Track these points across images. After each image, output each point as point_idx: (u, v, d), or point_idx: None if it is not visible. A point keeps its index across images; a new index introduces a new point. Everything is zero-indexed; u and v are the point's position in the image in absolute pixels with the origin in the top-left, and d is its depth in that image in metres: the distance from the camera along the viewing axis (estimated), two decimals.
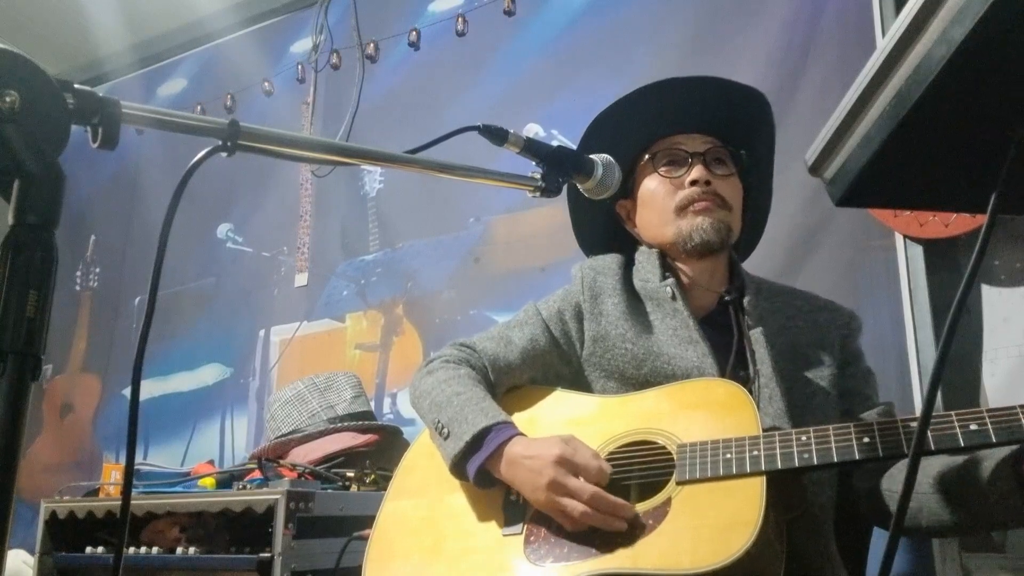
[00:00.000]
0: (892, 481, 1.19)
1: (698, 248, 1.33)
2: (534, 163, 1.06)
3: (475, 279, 2.74)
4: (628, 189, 1.42)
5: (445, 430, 1.22)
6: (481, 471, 1.18)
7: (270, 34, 3.52)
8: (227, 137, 0.81)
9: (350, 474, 1.96)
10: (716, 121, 1.38)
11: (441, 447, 1.23)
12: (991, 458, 1.03)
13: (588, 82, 2.62)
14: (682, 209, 1.34)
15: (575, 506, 1.08)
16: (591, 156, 1.08)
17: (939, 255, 1.99)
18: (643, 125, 1.39)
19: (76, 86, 0.69)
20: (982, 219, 0.62)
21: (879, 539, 1.31)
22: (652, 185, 1.38)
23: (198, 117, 0.82)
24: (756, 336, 1.28)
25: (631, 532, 1.06)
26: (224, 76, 3.57)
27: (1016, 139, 0.60)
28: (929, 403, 0.69)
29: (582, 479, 1.11)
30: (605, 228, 1.49)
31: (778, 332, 1.30)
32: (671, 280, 1.34)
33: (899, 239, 2.02)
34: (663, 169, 1.37)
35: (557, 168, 1.06)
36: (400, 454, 1.41)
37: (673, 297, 1.32)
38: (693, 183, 1.33)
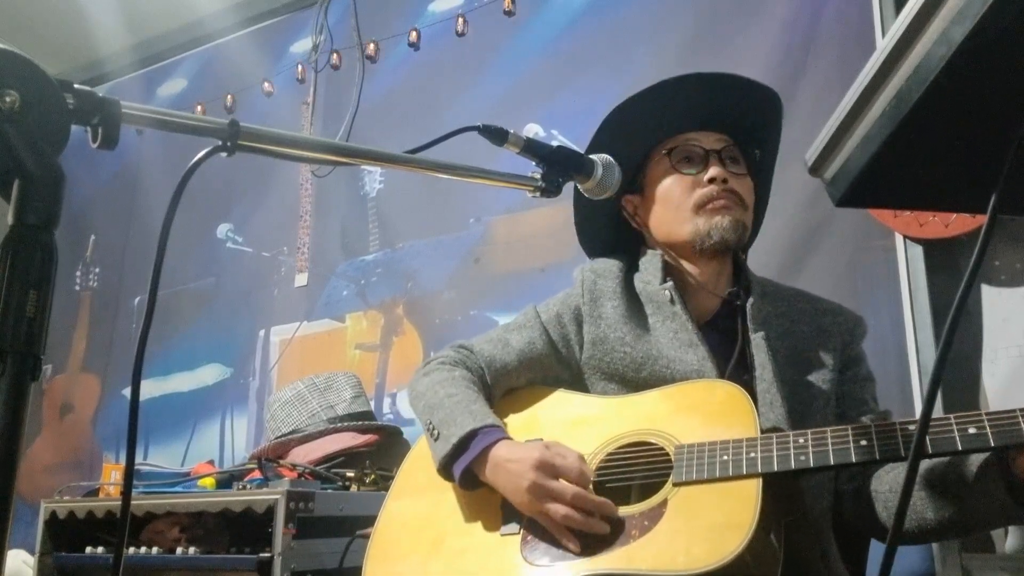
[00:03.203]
0: (878, 481, 1.19)
1: (715, 247, 1.30)
2: (534, 163, 1.06)
3: (475, 279, 2.74)
4: (638, 185, 1.40)
5: (436, 431, 1.22)
6: (466, 473, 1.19)
7: (270, 34, 3.52)
8: (227, 137, 0.81)
9: (350, 474, 1.96)
10: (730, 119, 1.36)
11: (432, 448, 1.24)
12: (977, 455, 1.03)
13: (588, 82, 2.62)
14: (700, 207, 1.31)
15: (557, 508, 1.09)
16: (591, 156, 1.08)
17: (939, 255, 1.99)
18: (657, 120, 1.37)
19: (76, 86, 0.69)
20: (982, 219, 0.62)
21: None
22: (668, 182, 1.35)
23: (198, 117, 0.82)
24: (758, 341, 1.27)
25: (627, 532, 1.06)
26: (224, 76, 3.56)
27: (1016, 139, 0.60)
28: (929, 403, 0.69)
29: (563, 481, 1.11)
30: (608, 227, 1.46)
31: (781, 336, 1.29)
32: (670, 284, 1.32)
33: (899, 239, 2.02)
34: (680, 165, 1.34)
35: (557, 168, 1.06)
36: (400, 454, 1.41)
37: (672, 301, 1.31)
38: (711, 180, 1.31)
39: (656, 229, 1.38)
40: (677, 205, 1.34)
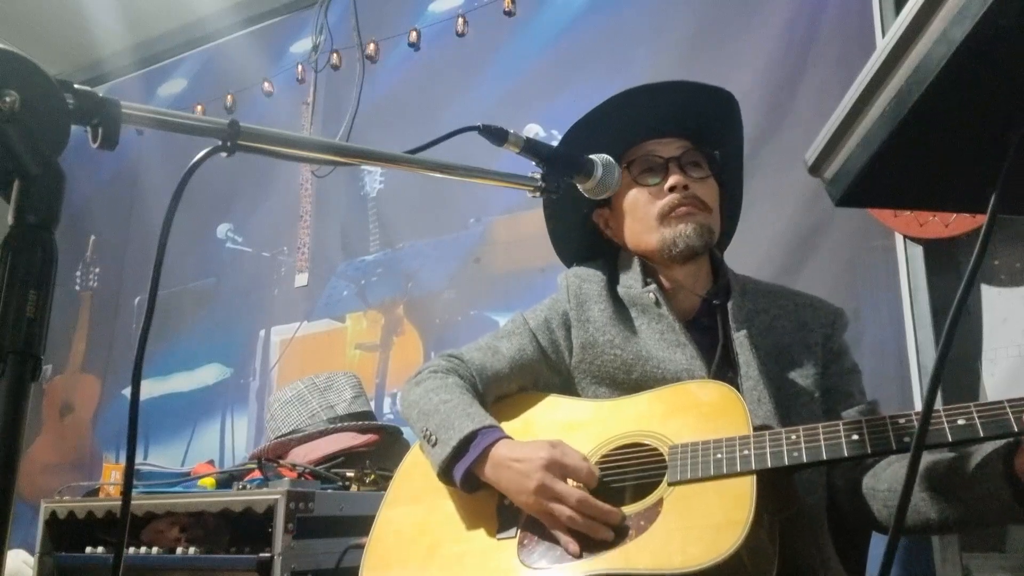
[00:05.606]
0: (875, 479, 1.19)
1: (683, 254, 1.33)
2: (534, 163, 1.06)
3: (475, 279, 2.74)
4: (606, 198, 1.42)
5: (433, 437, 1.22)
6: (467, 475, 1.18)
7: (270, 34, 3.52)
8: (227, 137, 0.81)
9: (350, 474, 1.96)
10: (687, 124, 1.38)
11: (429, 454, 1.24)
12: (979, 453, 1.04)
13: (588, 82, 2.62)
14: (664, 216, 1.33)
15: (562, 511, 1.09)
16: (591, 156, 1.09)
17: (939, 255, 1.99)
18: (616, 134, 1.38)
19: (76, 86, 0.69)
20: (982, 219, 0.62)
21: (879, 539, 1.31)
22: (632, 194, 1.37)
23: (198, 117, 0.82)
24: (740, 339, 1.29)
25: (623, 533, 1.07)
26: (224, 76, 3.57)
27: (1016, 139, 0.61)
28: (929, 403, 0.69)
29: (571, 482, 1.12)
30: (582, 238, 1.48)
31: (763, 333, 1.31)
32: (652, 286, 1.34)
33: (899, 239, 2.02)
34: (641, 177, 1.37)
35: (557, 168, 1.06)
36: (400, 454, 1.41)
37: (656, 303, 1.33)
38: (672, 189, 1.33)
39: (627, 240, 1.41)
40: (643, 216, 1.36)
